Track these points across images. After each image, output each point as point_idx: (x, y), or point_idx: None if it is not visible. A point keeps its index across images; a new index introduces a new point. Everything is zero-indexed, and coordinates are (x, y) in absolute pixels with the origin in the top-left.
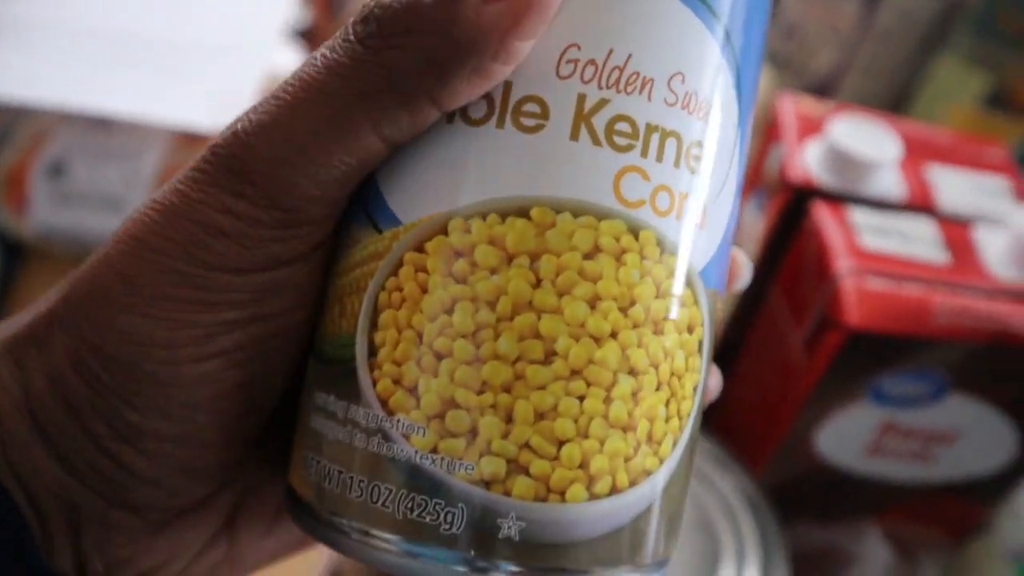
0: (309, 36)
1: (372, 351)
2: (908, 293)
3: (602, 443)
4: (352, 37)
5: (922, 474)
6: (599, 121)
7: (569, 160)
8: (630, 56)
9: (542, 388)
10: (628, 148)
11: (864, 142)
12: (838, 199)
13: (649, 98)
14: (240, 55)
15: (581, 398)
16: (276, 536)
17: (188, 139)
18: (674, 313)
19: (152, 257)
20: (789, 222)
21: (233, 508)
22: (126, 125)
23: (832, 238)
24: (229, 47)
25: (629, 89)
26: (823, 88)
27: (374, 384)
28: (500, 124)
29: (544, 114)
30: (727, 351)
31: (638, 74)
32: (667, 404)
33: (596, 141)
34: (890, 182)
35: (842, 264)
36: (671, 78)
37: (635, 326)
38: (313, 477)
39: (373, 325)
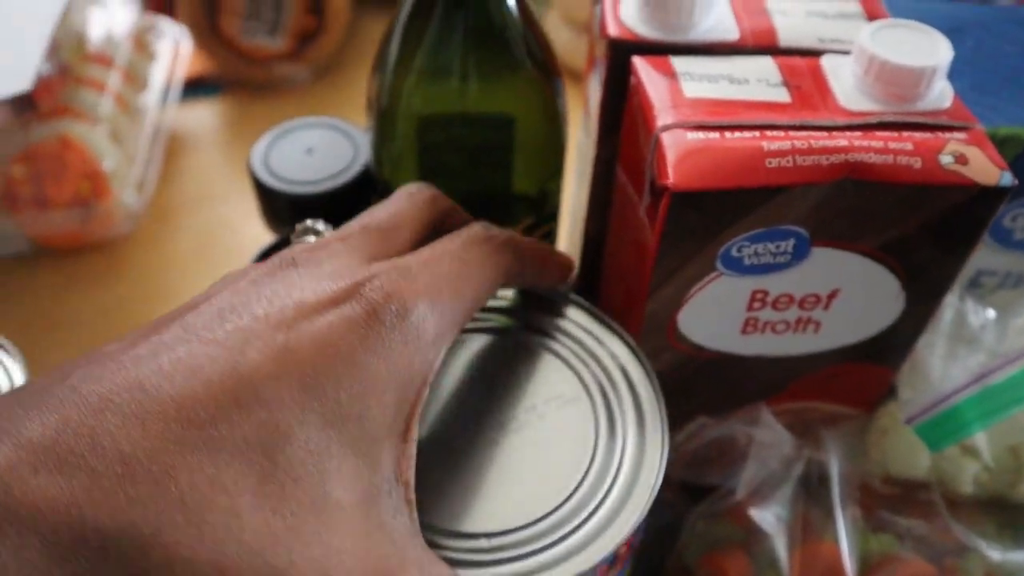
0: None
1: None
2: (735, 142)
3: None
4: None
5: (809, 345)
6: None
7: None
8: None
9: None
10: None
11: None
12: (663, 51)
13: None
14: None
15: None
16: None
17: (19, 120)
18: None
19: None
20: (618, 85)
21: None
22: None
23: (651, 92)
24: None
25: None
26: None
27: None
28: None
29: None
30: (596, 238)
31: None
32: None
33: None
34: (720, 23)
35: (661, 120)
36: None
37: None
38: None
39: None
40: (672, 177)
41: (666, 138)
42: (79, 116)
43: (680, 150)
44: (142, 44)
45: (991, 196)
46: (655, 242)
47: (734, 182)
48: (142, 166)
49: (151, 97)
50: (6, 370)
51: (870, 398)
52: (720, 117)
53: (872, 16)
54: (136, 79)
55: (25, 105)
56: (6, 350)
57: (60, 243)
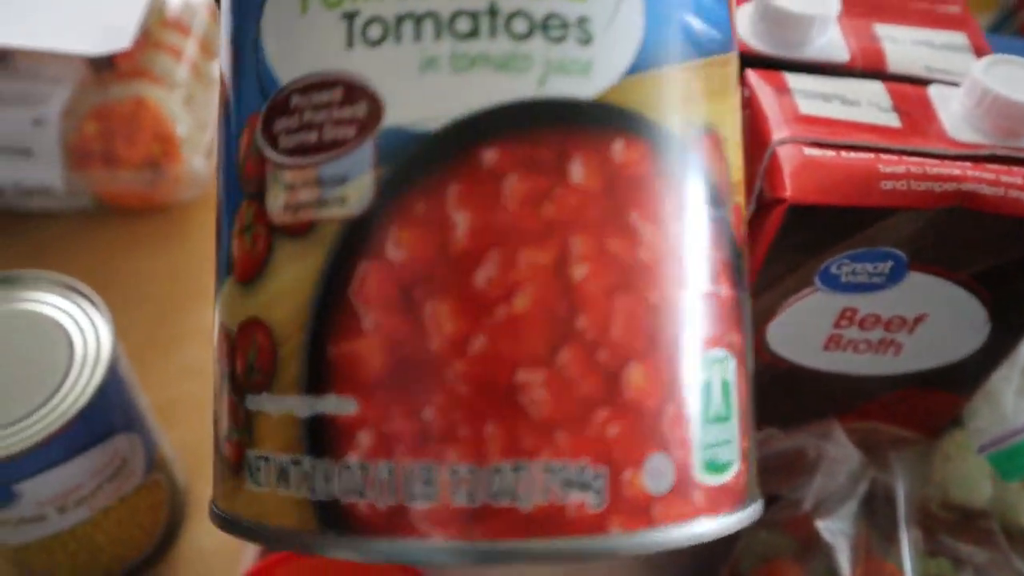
0: None
1: None
2: (851, 161)
3: None
4: None
5: (888, 367)
6: None
7: None
8: None
9: None
10: None
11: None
12: (775, 65)
13: None
14: None
15: None
16: None
17: (97, 78)
18: None
19: None
20: None
21: None
22: (27, 68)
23: (767, 106)
24: None
25: None
26: None
27: None
28: None
29: None
30: None
31: None
32: None
33: None
34: (832, 43)
35: (777, 134)
36: None
37: None
38: None
39: None
40: (789, 190)
41: (782, 151)
42: (156, 80)
43: (796, 164)
44: (217, 15)
45: None
46: (761, 253)
47: (849, 200)
48: (212, 133)
49: None
50: (94, 327)
51: (936, 424)
52: (835, 136)
53: (978, 49)
54: (210, 48)
55: (104, 64)
56: (96, 307)
57: (125, 203)
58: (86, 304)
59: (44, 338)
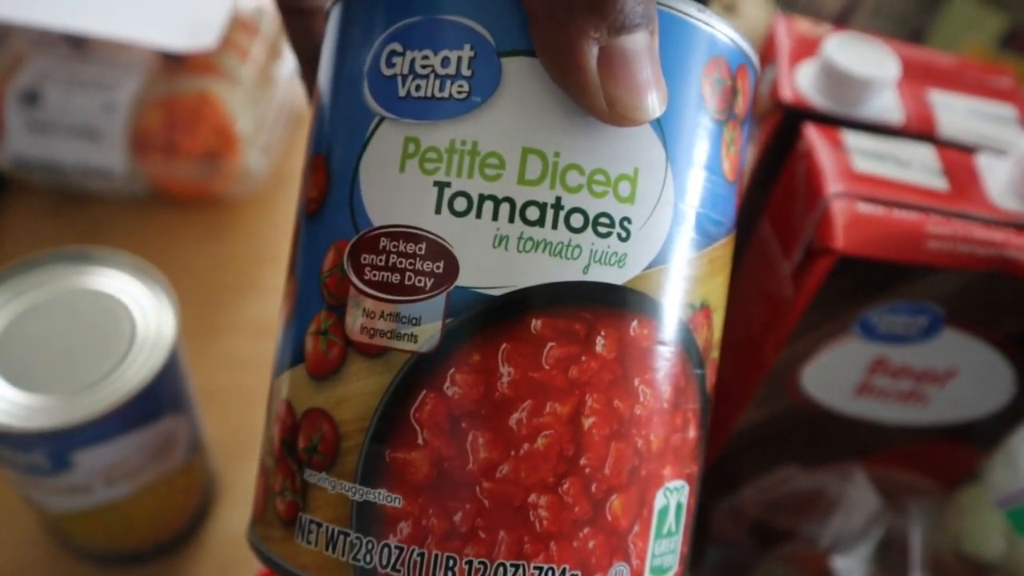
0: None
1: None
2: (901, 218)
3: None
4: None
5: (913, 416)
6: None
7: None
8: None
9: None
10: None
11: (860, 61)
12: (832, 121)
13: None
14: None
15: None
16: None
17: (166, 69)
18: None
19: None
20: (780, 146)
21: None
22: (103, 53)
23: (823, 161)
24: None
25: None
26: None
27: None
28: None
29: None
30: None
31: None
32: None
33: None
34: (888, 105)
35: (832, 188)
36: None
37: None
38: None
39: None
40: (841, 241)
41: (836, 205)
42: (222, 76)
43: (848, 217)
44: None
45: None
46: (805, 298)
47: (895, 255)
48: (269, 132)
49: (285, 68)
50: (159, 310)
51: (955, 476)
52: (886, 194)
53: None
54: (275, 50)
55: (176, 58)
56: (163, 291)
57: (180, 192)
58: (153, 287)
59: (110, 315)
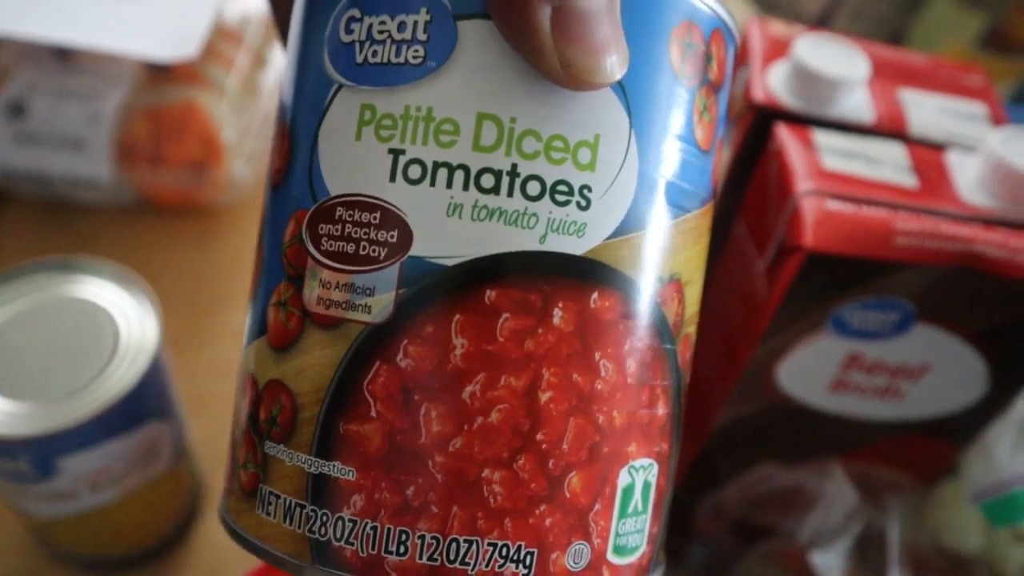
0: None
1: None
2: (870, 215)
3: None
4: None
5: (889, 412)
6: None
7: None
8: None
9: None
10: None
11: (830, 61)
12: (803, 121)
13: None
14: None
15: None
16: None
17: (151, 79)
18: None
19: None
20: (753, 146)
21: None
22: (88, 65)
23: (793, 160)
24: None
25: None
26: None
27: None
28: None
29: None
30: None
31: None
32: None
33: None
34: (858, 104)
35: (802, 186)
36: None
37: None
38: None
39: None
40: (810, 238)
41: (805, 203)
42: (207, 86)
43: (818, 215)
44: (271, 28)
45: None
46: (777, 296)
47: (865, 251)
48: (254, 141)
49: (269, 77)
50: (141, 317)
51: (932, 471)
52: (855, 191)
53: (996, 119)
54: (260, 59)
55: (161, 68)
56: (146, 299)
57: (166, 201)
58: (136, 295)
59: (93, 323)
